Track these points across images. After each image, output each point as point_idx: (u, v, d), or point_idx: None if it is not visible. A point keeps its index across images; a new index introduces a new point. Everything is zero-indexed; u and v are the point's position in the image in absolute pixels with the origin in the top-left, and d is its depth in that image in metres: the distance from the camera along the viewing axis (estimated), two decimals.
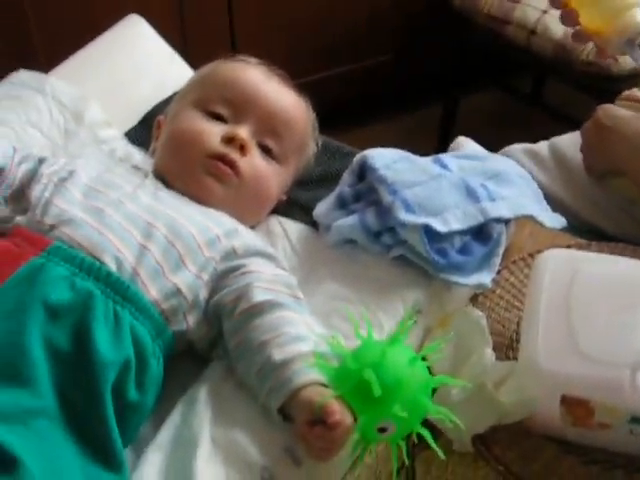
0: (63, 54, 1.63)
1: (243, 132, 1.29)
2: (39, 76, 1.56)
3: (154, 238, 1.14)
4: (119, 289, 1.08)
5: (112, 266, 1.09)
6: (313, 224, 1.39)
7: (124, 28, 1.68)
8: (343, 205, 1.35)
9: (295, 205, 1.44)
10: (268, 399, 1.03)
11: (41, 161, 1.25)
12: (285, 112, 1.36)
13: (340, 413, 0.95)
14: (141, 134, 1.54)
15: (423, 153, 1.39)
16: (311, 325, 1.11)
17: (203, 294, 1.15)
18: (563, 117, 2.55)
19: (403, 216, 1.23)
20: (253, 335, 1.09)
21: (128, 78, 1.62)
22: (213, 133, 1.28)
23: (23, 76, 1.56)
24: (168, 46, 1.67)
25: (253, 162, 1.29)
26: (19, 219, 1.16)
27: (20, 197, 1.21)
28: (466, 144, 1.55)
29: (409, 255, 1.26)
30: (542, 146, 1.67)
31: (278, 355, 1.05)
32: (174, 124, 1.35)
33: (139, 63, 1.64)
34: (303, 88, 1.42)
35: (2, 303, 1.02)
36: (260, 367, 1.06)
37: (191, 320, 1.14)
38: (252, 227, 1.34)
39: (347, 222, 1.29)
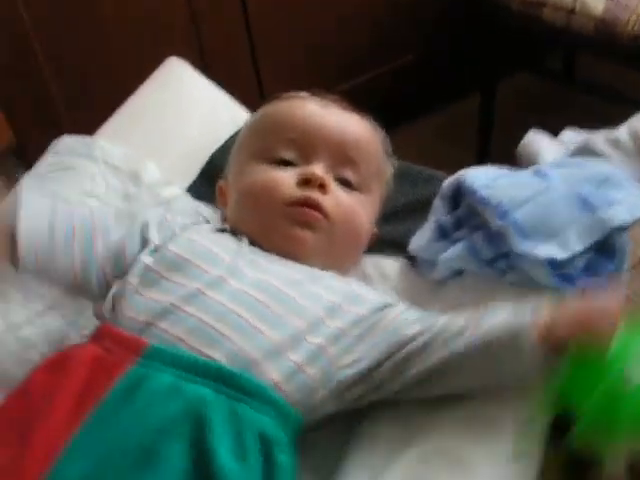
0: (82, 101, 1.49)
1: (318, 169, 1.18)
2: (86, 141, 1.46)
3: (267, 317, 1.03)
4: (234, 382, 0.97)
5: (222, 358, 0.98)
6: (407, 259, 1.30)
7: (165, 75, 1.56)
8: (444, 235, 1.24)
9: (384, 242, 1.33)
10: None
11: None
12: (354, 137, 1.24)
13: None
14: (203, 188, 1.44)
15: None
16: None
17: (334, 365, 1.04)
18: (599, 94, 2.49)
19: (520, 246, 1.13)
20: (440, 351, 1.03)
21: (178, 128, 1.52)
22: (286, 179, 1.17)
23: (68, 142, 1.46)
24: (215, 87, 1.55)
25: (337, 199, 1.18)
26: (105, 314, 1.06)
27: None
28: (541, 139, 1.44)
29: (529, 283, 1.15)
30: (622, 133, 1.55)
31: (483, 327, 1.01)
32: (241, 181, 1.23)
33: (186, 110, 1.53)
34: None
35: (105, 429, 0.92)
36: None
37: (322, 394, 1.03)
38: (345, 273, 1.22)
39: (455, 253, 1.19)
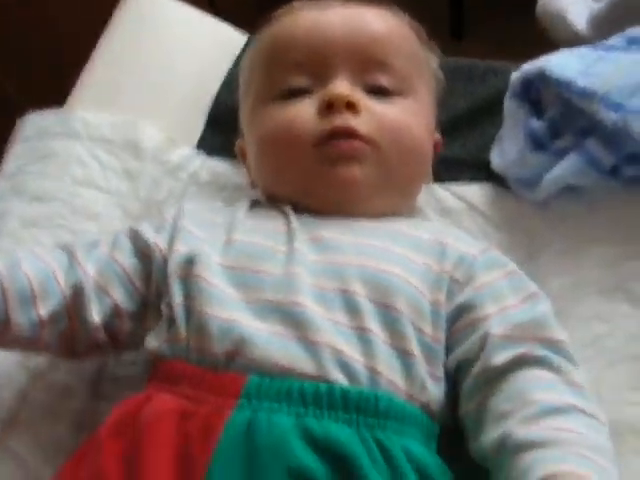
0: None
1: (339, 87, 0.90)
2: (59, 115, 1.18)
3: (362, 309, 0.79)
4: (367, 407, 0.74)
5: (341, 379, 0.75)
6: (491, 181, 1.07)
7: (130, 8, 1.27)
8: (540, 145, 0.99)
9: (453, 162, 1.08)
10: None
11: (135, 235, 0.90)
12: (374, 33, 0.94)
13: None
14: (214, 140, 1.18)
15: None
16: (576, 382, 0.77)
17: (443, 356, 0.82)
18: None
19: None
20: (493, 401, 0.76)
21: (166, 70, 1.24)
22: (305, 111, 0.90)
23: (37, 122, 1.18)
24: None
25: (373, 115, 0.91)
26: (162, 347, 0.81)
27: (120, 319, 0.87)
28: None
29: None
30: None
31: (521, 432, 0.72)
32: (254, 133, 0.97)
33: (170, 44, 1.26)
34: None
35: None
36: (497, 447, 0.73)
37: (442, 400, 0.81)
38: (413, 207, 0.99)
39: (569, 168, 0.96)
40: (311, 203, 0.91)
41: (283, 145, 0.91)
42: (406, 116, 0.93)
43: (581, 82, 0.95)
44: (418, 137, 0.94)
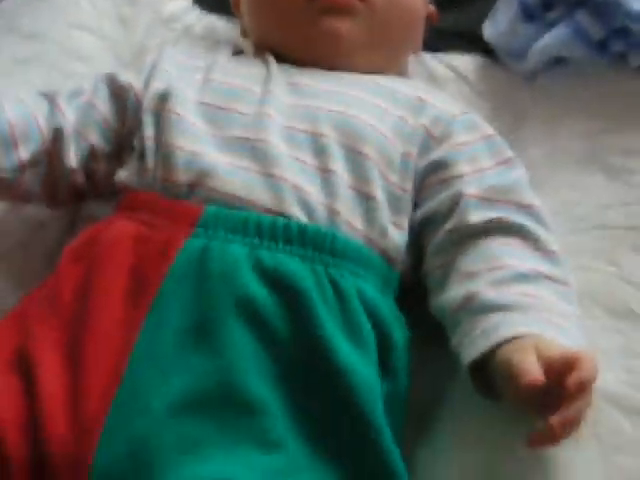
0: None
1: None
2: None
3: (329, 151, 0.79)
4: (324, 245, 0.75)
5: (300, 215, 0.75)
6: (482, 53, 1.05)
7: None
8: (531, 16, 0.99)
9: (446, 33, 1.07)
10: (459, 348, 0.72)
11: (111, 79, 0.90)
12: None
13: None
14: None
15: None
16: (548, 249, 0.77)
17: (409, 207, 0.82)
18: None
19: (638, 5, 0.88)
20: (462, 260, 0.77)
21: None
22: None
23: None
24: None
25: None
26: (129, 178, 0.82)
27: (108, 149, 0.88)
28: None
29: None
30: None
31: (490, 293, 0.73)
32: None
33: None
34: None
35: (178, 319, 0.70)
36: (460, 304, 0.74)
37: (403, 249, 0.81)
38: (401, 73, 0.98)
39: (557, 37, 0.95)
40: (296, 52, 0.90)
41: None
42: None
43: None
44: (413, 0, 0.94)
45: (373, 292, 0.76)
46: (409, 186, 0.81)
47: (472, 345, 0.70)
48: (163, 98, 0.83)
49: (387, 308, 0.77)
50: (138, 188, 0.81)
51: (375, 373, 0.71)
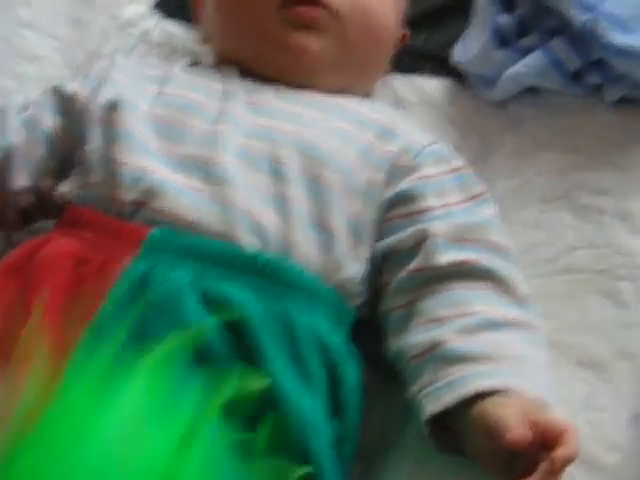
0: None
1: None
2: None
3: (288, 176, 0.75)
4: (275, 276, 0.70)
5: (252, 242, 0.71)
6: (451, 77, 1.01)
7: None
8: (504, 42, 0.94)
9: (415, 55, 1.03)
10: (420, 399, 0.69)
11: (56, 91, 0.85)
12: None
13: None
14: (175, 2, 1.11)
15: None
16: (519, 294, 0.73)
17: (371, 238, 0.78)
18: None
19: (618, 39, 0.85)
20: (427, 304, 0.73)
21: None
22: None
23: None
24: None
25: None
26: (72, 192, 0.77)
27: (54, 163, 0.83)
28: None
29: (638, 94, 0.87)
30: None
31: (457, 342, 0.69)
32: None
33: None
34: None
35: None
36: (423, 351, 0.70)
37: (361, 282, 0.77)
38: (368, 95, 0.93)
39: (531, 65, 0.91)
40: (260, 66, 0.86)
41: (245, 1, 0.86)
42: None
43: None
44: (385, 21, 0.90)
45: (326, 327, 0.72)
46: (373, 214, 0.77)
47: (435, 397, 0.67)
48: (111, 109, 0.79)
49: (339, 344, 0.73)
50: (81, 204, 0.75)
51: (322, 411, 0.68)
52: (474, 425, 0.65)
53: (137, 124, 0.77)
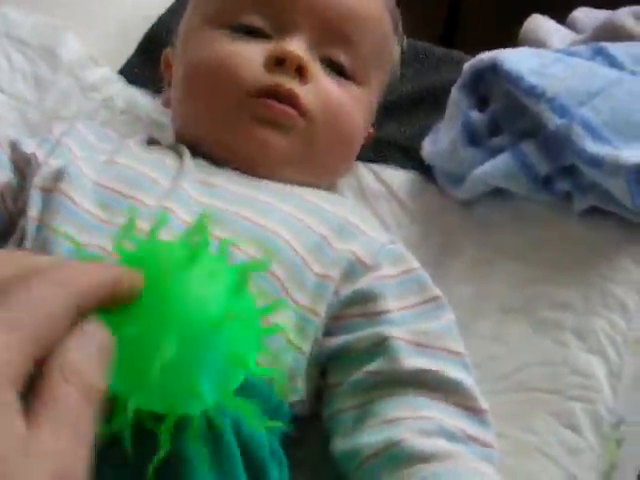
0: None
1: (296, 46, 0.82)
2: None
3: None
4: None
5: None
6: (419, 170, 0.97)
7: None
8: (473, 140, 0.91)
9: (384, 144, 1.00)
10: None
11: (14, 147, 0.80)
12: (352, 5, 0.86)
13: None
14: (142, 70, 1.08)
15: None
16: (477, 409, 0.70)
17: (317, 334, 0.73)
18: None
19: (591, 148, 0.81)
20: (384, 406, 0.68)
21: None
22: (251, 55, 0.81)
23: None
24: None
25: (321, 89, 0.83)
26: None
27: None
28: (547, 24, 1.12)
29: (607, 206, 0.84)
30: None
31: (417, 442, 0.65)
32: (190, 53, 0.87)
33: None
34: None
35: None
36: (378, 451, 0.66)
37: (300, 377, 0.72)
38: (331, 185, 0.90)
39: (499, 168, 0.87)
40: (218, 151, 0.82)
41: (216, 80, 0.82)
42: (352, 104, 0.86)
43: (531, 79, 0.87)
44: (355, 128, 0.87)
45: (253, 425, 0.65)
46: (321, 310, 0.72)
47: None
48: (57, 177, 0.74)
49: (266, 444, 0.67)
50: None
51: None
52: None
53: (81, 196, 0.73)
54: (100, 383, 0.41)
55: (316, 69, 0.83)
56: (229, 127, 0.82)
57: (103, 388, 0.41)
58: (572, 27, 1.17)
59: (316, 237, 0.75)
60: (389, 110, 1.00)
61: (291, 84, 0.81)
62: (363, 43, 0.87)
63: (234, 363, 0.51)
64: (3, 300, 0.39)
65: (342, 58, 0.85)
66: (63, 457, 0.38)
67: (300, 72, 0.81)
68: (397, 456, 0.64)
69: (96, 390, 0.41)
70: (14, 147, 0.80)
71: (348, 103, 0.85)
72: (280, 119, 0.81)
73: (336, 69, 0.85)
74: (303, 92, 0.81)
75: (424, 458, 0.63)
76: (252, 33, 0.84)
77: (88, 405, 0.40)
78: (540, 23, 1.16)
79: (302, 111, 0.81)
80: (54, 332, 0.40)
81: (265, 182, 0.81)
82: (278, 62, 0.81)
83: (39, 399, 0.39)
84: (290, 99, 0.81)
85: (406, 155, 0.98)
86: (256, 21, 0.84)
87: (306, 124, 0.82)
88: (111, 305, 0.45)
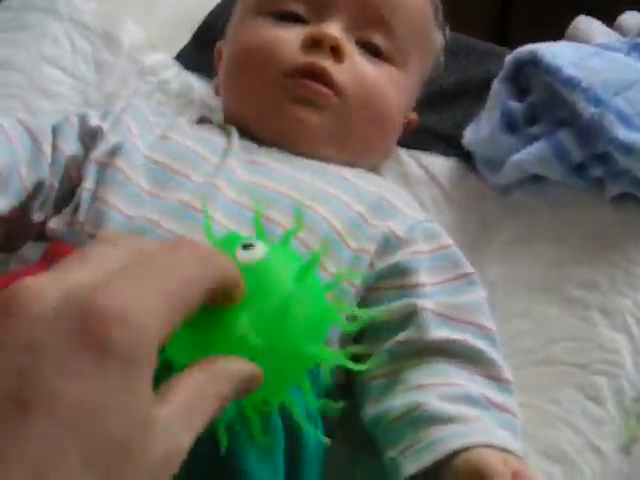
0: None
1: (332, 28, 0.86)
2: None
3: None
4: None
5: None
6: (460, 158, 1.01)
7: None
8: (512, 127, 0.94)
9: (427, 133, 1.03)
10: (401, 458, 0.68)
11: (82, 122, 0.84)
12: None
13: None
14: (197, 54, 1.12)
15: None
16: (502, 379, 0.73)
17: (352, 303, 0.76)
18: None
19: (624, 135, 0.84)
20: (412, 374, 0.72)
21: None
22: (289, 39, 0.86)
23: None
24: None
25: (356, 68, 0.86)
26: (59, 228, 0.77)
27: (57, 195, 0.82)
28: (594, 25, 1.14)
29: (639, 192, 0.87)
30: None
31: (438, 405, 0.68)
32: (234, 41, 0.92)
33: None
34: None
35: None
36: (402, 413, 0.69)
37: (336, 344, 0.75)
38: (373, 168, 0.94)
39: (535, 154, 0.90)
40: (260, 130, 0.87)
41: (257, 63, 0.87)
42: (387, 84, 0.89)
43: (569, 71, 0.90)
44: (390, 107, 0.90)
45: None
46: (357, 281, 0.76)
47: (416, 457, 0.66)
48: (113, 153, 0.79)
49: (303, 407, 0.70)
50: (65, 240, 0.75)
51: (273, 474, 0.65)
52: (457, 473, 0.65)
53: (133, 171, 0.77)
54: (232, 372, 0.44)
55: (351, 49, 0.87)
56: (268, 106, 0.86)
57: (233, 377, 0.44)
58: (619, 30, 1.20)
59: (353, 214, 0.79)
60: (433, 101, 1.04)
61: (325, 63, 0.85)
62: (400, 26, 0.90)
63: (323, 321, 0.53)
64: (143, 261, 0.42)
65: (379, 40, 0.89)
66: (178, 437, 0.39)
67: (335, 52, 0.85)
68: (418, 418, 0.68)
69: (225, 379, 0.43)
70: (82, 121, 0.84)
71: (383, 83, 0.88)
72: (314, 97, 0.85)
73: (373, 51, 0.89)
74: (337, 70, 0.85)
75: (442, 420, 0.67)
76: (292, 19, 0.88)
77: (213, 393, 0.42)
78: (587, 24, 1.19)
79: (336, 89, 0.85)
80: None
81: (306, 161, 0.85)
82: (314, 43, 0.85)
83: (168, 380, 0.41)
84: (324, 77, 0.84)
85: (448, 143, 1.02)
86: (296, 7, 0.89)
87: (340, 102, 0.85)
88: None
